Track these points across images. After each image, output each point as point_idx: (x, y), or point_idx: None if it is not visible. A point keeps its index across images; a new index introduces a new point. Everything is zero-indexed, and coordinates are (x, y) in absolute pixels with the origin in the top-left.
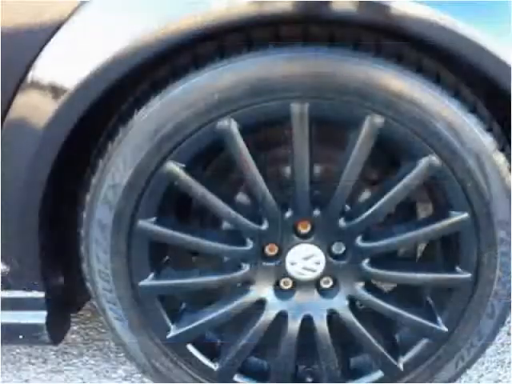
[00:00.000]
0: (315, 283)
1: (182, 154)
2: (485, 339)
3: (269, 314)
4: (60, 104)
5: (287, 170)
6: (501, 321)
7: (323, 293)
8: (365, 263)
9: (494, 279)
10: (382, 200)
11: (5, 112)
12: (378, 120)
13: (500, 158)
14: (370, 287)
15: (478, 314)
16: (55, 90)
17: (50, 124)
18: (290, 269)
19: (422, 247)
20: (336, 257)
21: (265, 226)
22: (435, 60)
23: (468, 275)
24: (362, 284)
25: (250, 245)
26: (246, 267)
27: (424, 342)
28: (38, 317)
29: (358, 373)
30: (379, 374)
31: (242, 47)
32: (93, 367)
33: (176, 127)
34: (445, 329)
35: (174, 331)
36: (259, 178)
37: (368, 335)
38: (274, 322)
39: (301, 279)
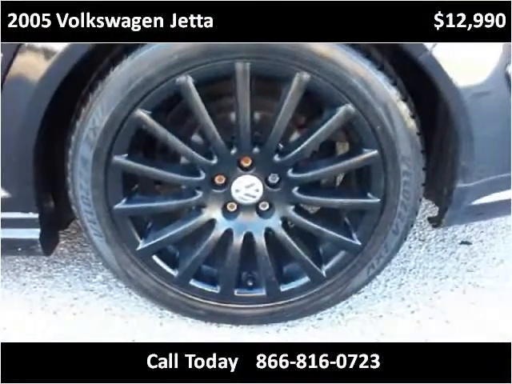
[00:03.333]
0: (255, 206)
1: (149, 103)
2: (390, 251)
3: (218, 231)
4: (50, 63)
5: (232, 116)
6: (403, 236)
7: (261, 214)
8: (295, 190)
9: (398, 203)
10: (309, 140)
11: (6, 69)
12: (305, 76)
13: (403, 107)
14: (299, 210)
15: (386, 231)
16: (46, 52)
17: (43, 79)
18: (234, 195)
19: (340, 178)
20: (272, 185)
21: (214, 161)
22: None
23: (377, 200)
24: (292, 207)
25: (202, 176)
26: (199, 194)
27: (342, 253)
28: (33, 233)
29: (290, 278)
30: (306, 279)
31: None
32: (77, 273)
33: (144, 81)
34: (359, 243)
35: (142, 245)
36: (210, 123)
37: (297, 248)
38: (222, 238)
39: (243, 203)
